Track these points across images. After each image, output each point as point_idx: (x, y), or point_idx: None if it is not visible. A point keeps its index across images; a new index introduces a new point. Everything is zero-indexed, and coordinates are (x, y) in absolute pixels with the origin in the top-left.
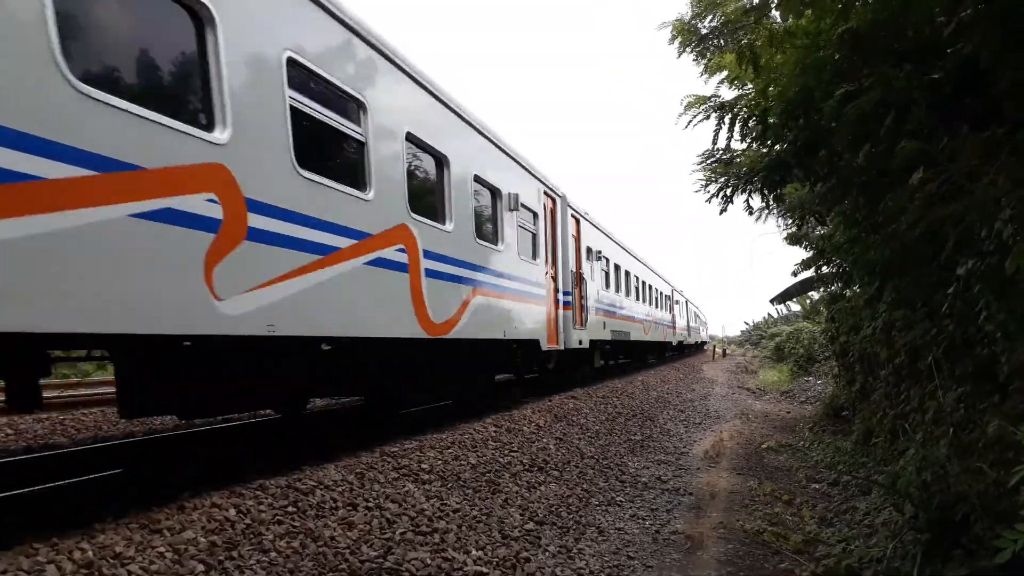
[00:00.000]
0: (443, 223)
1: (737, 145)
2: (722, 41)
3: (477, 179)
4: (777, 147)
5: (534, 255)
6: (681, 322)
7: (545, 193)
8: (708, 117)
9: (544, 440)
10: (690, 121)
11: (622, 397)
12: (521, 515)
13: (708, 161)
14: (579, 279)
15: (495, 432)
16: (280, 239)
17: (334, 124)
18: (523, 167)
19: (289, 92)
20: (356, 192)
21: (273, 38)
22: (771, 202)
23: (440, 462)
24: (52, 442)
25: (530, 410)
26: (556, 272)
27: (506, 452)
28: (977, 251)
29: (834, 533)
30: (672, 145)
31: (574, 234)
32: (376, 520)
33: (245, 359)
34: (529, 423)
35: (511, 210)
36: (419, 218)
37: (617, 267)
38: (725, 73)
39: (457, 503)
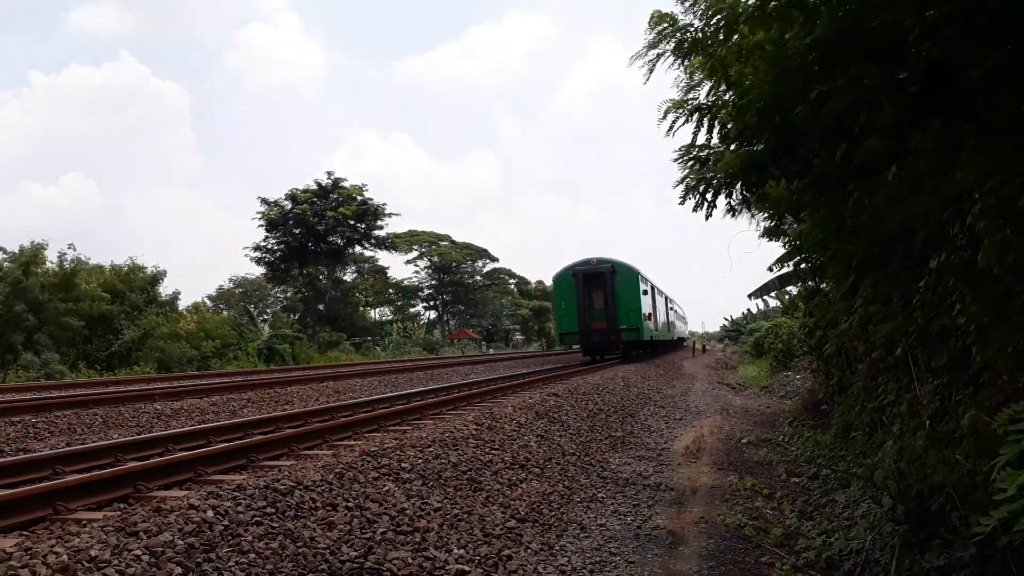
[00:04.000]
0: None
1: (715, 141)
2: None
3: (666, 301)
4: (754, 147)
5: (684, 320)
6: (681, 325)
7: (665, 296)
8: (688, 120)
9: (526, 438)
10: (671, 126)
11: (603, 394)
12: (503, 513)
13: (686, 158)
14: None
15: (476, 430)
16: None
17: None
18: (666, 294)
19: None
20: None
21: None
22: (750, 202)
23: (421, 461)
24: (24, 447)
25: (511, 408)
26: (676, 318)
27: (487, 450)
28: (949, 245)
29: (814, 526)
30: (648, 145)
31: (681, 313)
32: (356, 520)
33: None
34: (511, 421)
35: (673, 307)
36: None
37: (676, 313)
38: (701, 78)
39: (438, 502)
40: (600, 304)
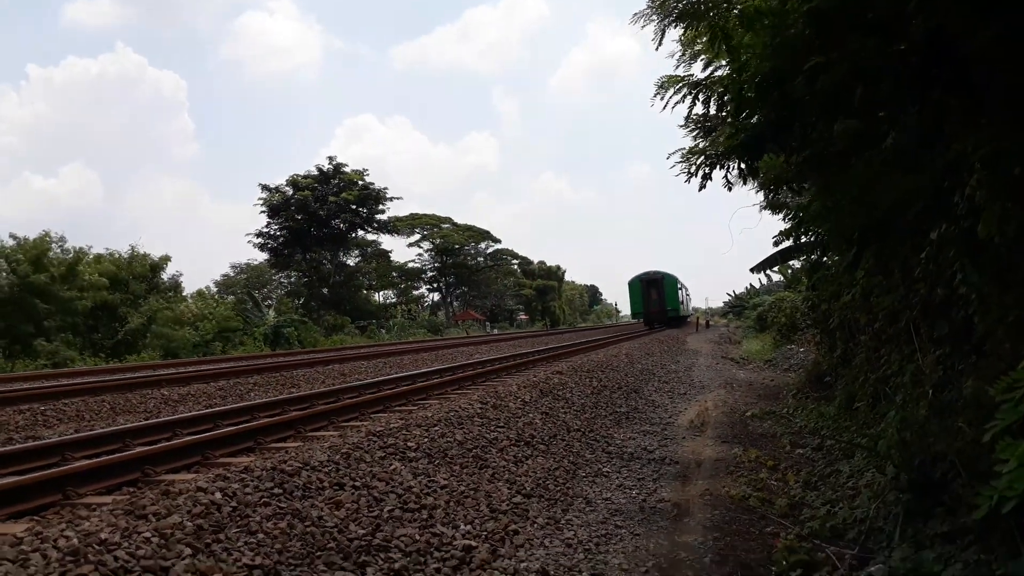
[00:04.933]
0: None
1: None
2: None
3: (685, 291)
4: (752, 121)
5: (690, 299)
6: (689, 304)
7: (685, 288)
8: (684, 98)
9: (530, 415)
10: (667, 102)
11: (607, 371)
12: (509, 489)
13: (692, 126)
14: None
15: (481, 409)
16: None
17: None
18: (685, 286)
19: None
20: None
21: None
22: (748, 176)
23: (427, 440)
24: (33, 434)
25: (516, 386)
26: (688, 300)
27: (492, 428)
28: (949, 216)
29: (818, 496)
30: (646, 123)
31: (689, 295)
32: (364, 499)
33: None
34: (516, 399)
35: (687, 294)
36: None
37: (688, 295)
38: (699, 49)
39: (445, 479)
40: (655, 297)
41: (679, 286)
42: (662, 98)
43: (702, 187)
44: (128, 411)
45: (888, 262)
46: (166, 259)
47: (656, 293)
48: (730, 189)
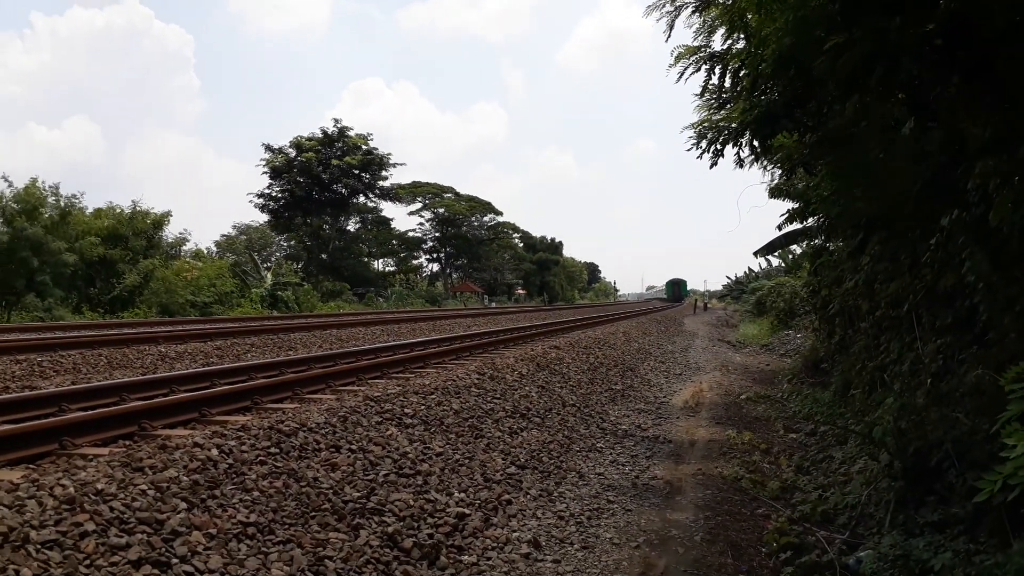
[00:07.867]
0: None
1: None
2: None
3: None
4: (767, 98)
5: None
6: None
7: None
8: (699, 69)
9: (527, 388)
10: (681, 74)
11: (604, 348)
12: (503, 459)
13: (706, 98)
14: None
15: (478, 379)
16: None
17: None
18: (686, 282)
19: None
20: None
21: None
22: (760, 153)
23: (423, 407)
24: (30, 384)
25: (513, 359)
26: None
27: (489, 399)
28: (961, 203)
29: (810, 481)
30: (654, 100)
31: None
32: (359, 462)
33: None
34: (512, 372)
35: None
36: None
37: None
38: (718, 24)
39: (440, 447)
40: (676, 290)
41: (688, 285)
42: (675, 67)
43: (713, 164)
44: (125, 366)
45: (896, 248)
46: (167, 215)
47: (677, 288)
48: (741, 165)
